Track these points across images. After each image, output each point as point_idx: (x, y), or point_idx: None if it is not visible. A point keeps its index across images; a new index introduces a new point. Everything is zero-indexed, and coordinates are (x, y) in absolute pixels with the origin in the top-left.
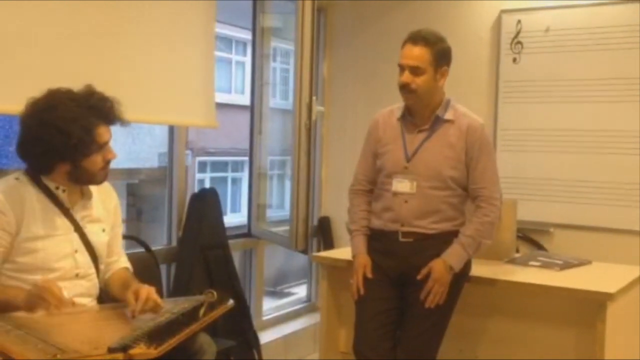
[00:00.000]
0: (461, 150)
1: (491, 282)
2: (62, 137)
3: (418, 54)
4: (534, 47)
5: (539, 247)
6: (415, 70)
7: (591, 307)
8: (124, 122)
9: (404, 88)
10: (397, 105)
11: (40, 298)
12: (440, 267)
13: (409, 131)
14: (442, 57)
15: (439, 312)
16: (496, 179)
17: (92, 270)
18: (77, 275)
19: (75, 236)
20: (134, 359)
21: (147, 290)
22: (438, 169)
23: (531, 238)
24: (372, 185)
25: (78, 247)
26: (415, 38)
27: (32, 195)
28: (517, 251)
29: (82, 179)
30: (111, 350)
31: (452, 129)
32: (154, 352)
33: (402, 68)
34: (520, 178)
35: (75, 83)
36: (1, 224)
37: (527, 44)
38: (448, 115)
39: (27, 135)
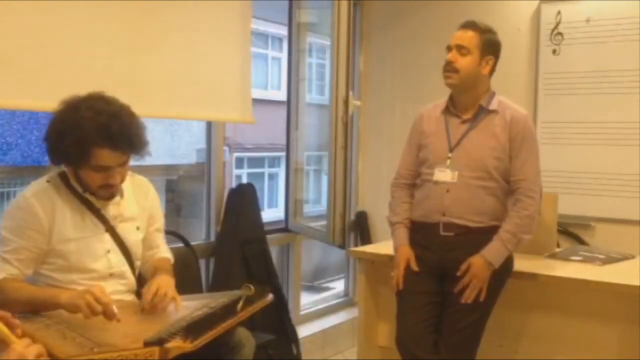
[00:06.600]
0: (505, 141)
1: (532, 277)
2: (57, 139)
3: (467, 35)
4: (575, 38)
5: (581, 241)
6: (461, 49)
7: (635, 302)
8: (140, 154)
9: (448, 65)
10: (441, 100)
11: (86, 303)
12: (479, 263)
13: (452, 122)
14: (489, 45)
15: (481, 308)
16: (537, 172)
17: (127, 268)
18: (111, 275)
19: (107, 236)
20: (170, 352)
21: (157, 283)
22: (481, 159)
23: (572, 232)
24: (414, 179)
25: (111, 247)
26: (467, 24)
27: (62, 198)
28: (558, 246)
29: (85, 188)
30: (147, 343)
31: (497, 119)
32: (189, 345)
33: (449, 49)
34: (561, 171)
35: (114, 81)
36: (35, 226)
37: (567, 35)
38: (492, 106)
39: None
